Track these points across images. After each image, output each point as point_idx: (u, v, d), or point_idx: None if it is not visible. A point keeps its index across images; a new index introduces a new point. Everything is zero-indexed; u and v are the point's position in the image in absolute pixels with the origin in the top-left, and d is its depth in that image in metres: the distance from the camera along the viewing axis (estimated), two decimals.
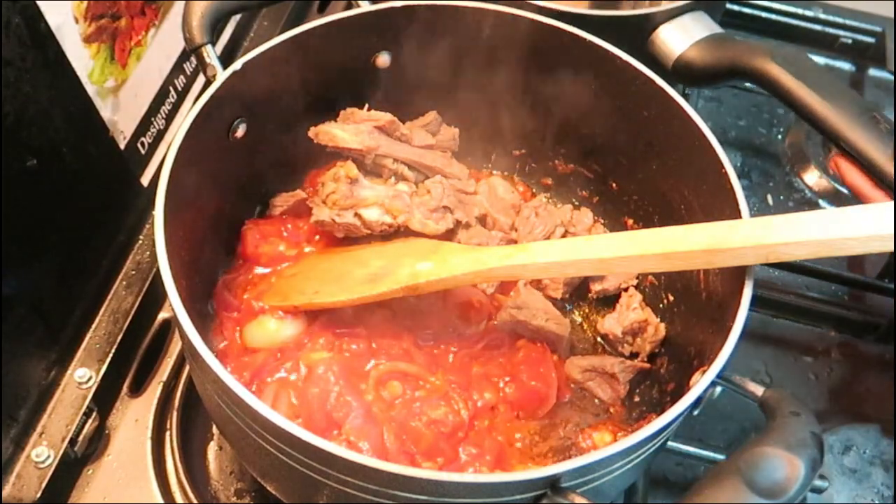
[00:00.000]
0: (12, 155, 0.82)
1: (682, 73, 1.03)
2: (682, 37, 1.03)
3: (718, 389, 0.74)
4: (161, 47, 1.05)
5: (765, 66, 0.93)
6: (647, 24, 1.05)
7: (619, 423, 0.94)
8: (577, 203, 1.10)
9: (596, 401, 0.95)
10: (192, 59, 1.05)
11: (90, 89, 0.92)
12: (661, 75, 0.93)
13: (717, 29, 1.04)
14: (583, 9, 1.02)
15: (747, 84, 1.33)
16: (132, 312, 1.01)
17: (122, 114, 0.99)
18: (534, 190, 1.13)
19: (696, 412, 0.75)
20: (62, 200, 0.91)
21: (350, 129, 0.97)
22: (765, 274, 1.20)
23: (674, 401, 0.72)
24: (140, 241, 1.06)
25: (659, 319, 0.98)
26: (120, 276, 1.03)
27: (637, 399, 0.96)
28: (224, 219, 0.96)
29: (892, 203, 0.70)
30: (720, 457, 0.98)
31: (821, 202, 1.31)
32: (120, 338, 0.99)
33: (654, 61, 1.06)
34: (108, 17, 0.93)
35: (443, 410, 0.86)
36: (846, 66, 1.48)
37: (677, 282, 0.97)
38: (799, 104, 0.91)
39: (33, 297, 0.89)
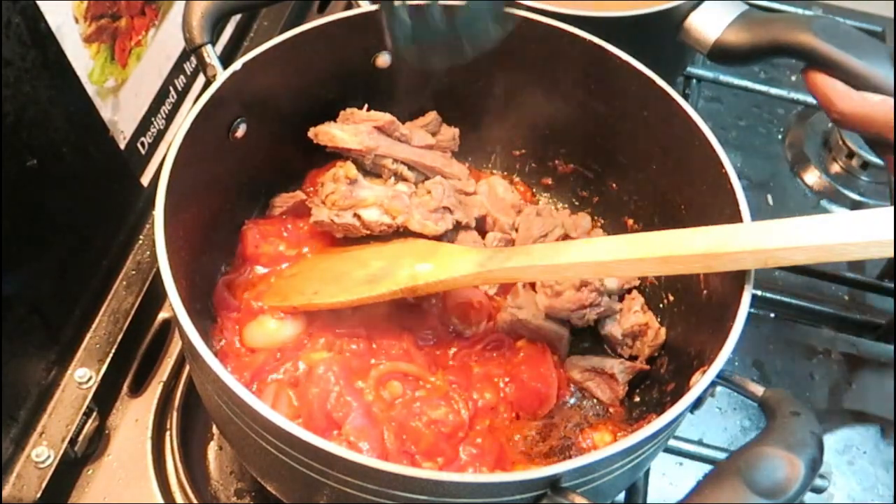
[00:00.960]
0: (12, 155, 0.82)
1: (721, 58, 1.02)
2: (714, 22, 1.02)
3: (718, 389, 0.74)
4: (161, 47, 1.05)
5: (806, 40, 0.92)
6: (675, 17, 1.04)
7: (619, 423, 0.93)
8: (576, 203, 1.10)
9: (596, 401, 0.96)
10: (192, 59, 1.05)
11: (90, 89, 0.92)
12: (664, 74, 0.92)
13: (744, 6, 1.04)
14: (604, 11, 1.00)
15: (747, 84, 1.35)
16: (132, 312, 1.00)
17: (122, 114, 0.99)
18: (534, 190, 1.13)
19: (696, 412, 0.75)
20: (62, 201, 0.91)
21: (349, 130, 0.97)
22: (765, 274, 1.20)
23: (674, 401, 0.72)
24: (140, 241, 1.06)
25: (659, 320, 0.98)
26: (120, 276, 1.03)
27: (637, 399, 0.96)
28: (224, 219, 0.96)
29: (891, 208, 0.70)
30: (720, 457, 0.98)
31: (821, 202, 1.31)
32: (120, 338, 0.99)
33: (687, 50, 1.05)
34: (108, 17, 0.93)
35: (443, 410, 0.86)
36: None
37: (677, 282, 0.97)
38: (846, 72, 0.90)
39: (33, 297, 0.89)
